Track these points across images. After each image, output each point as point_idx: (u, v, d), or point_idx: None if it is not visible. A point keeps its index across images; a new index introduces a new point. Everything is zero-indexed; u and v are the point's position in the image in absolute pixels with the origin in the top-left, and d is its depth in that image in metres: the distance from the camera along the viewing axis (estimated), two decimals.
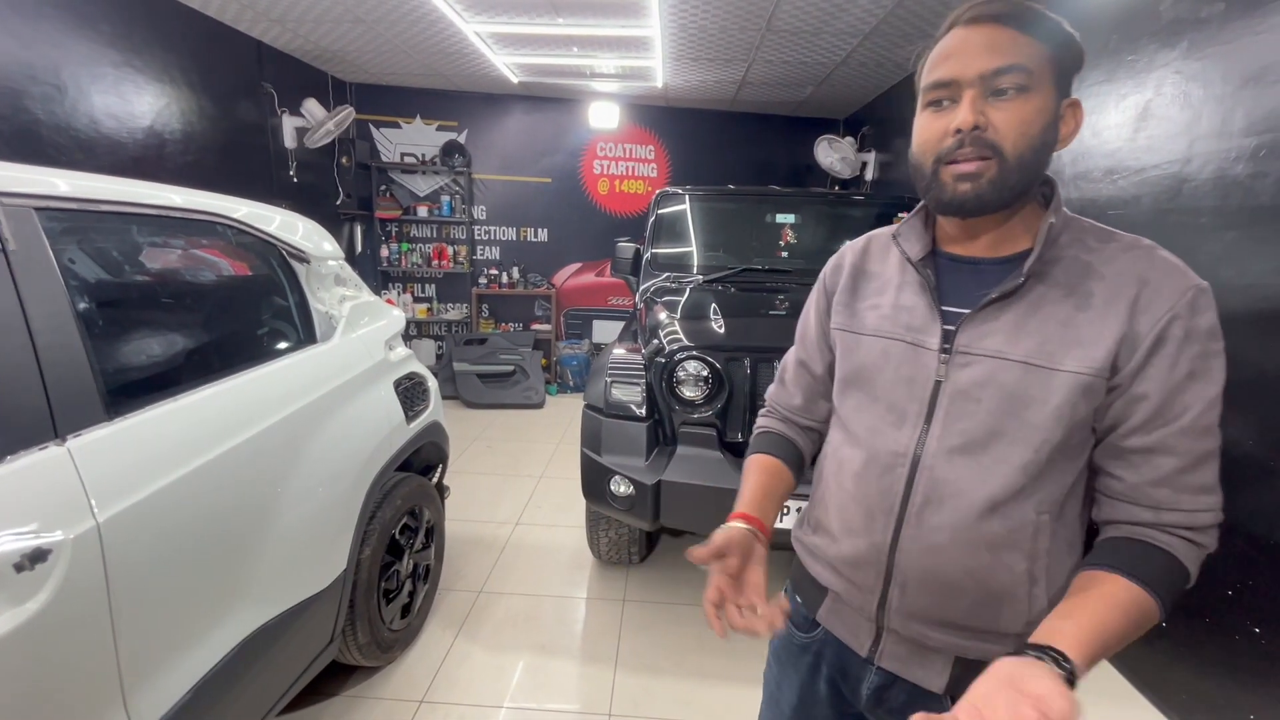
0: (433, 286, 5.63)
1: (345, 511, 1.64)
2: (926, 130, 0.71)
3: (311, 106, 4.25)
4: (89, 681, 0.95)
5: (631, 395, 2.16)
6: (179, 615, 1.12)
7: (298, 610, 1.42)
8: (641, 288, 3.07)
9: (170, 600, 1.10)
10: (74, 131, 2.78)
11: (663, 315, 2.42)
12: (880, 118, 4.75)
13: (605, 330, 5.75)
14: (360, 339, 1.88)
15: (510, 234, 5.63)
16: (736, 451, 2.07)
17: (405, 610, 2.02)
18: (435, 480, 2.32)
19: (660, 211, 3.30)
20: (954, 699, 0.76)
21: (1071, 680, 0.56)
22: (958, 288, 0.75)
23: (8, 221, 0.98)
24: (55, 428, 0.95)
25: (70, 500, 0.93)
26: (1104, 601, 0.64)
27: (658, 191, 3.39)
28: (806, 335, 0.93)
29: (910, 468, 0.74)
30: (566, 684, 1.95)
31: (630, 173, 5.62)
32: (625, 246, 3.27)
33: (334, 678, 1.88)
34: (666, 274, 3.04)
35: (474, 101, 5.33)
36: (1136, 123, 2.08)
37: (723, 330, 2.21)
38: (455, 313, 5.64)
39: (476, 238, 5.60)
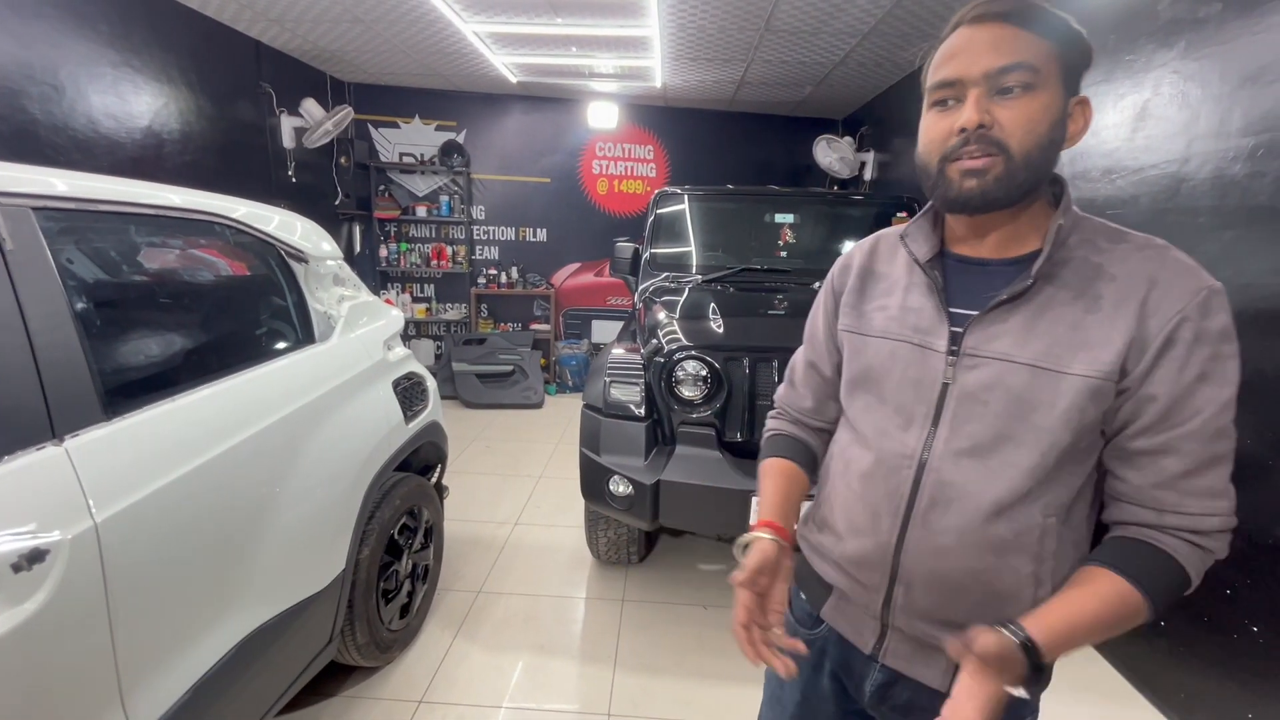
0: (431, 286, 5.63)
1: (344, 511, 1.63)
2: (932, 130, 0.70)
3: (310, 106, 4.24)
4: (87, 682, 0.95)
5: (630, 395, 2.16)
6: (177, 615, 1.12)
7: (296, 610, 1.42)
8: (640, 288, 3.07)
9: (168, 600, 1.10)
10: (72, 131, 2.78)
11: (661, 315, 2.42)
12: (879, 117, 4.76)
13: (604, 330, 5.75)
14: (359, 339, 1.88)
15: (509, 234, 5.63)
16: (735, 451, 2.07)
17: (404, 610, 2.02)
18: (434, 480, 2.32)
19: (659, 211, 3.30)
20: None
21: (1030, 651, 0.61)
22: (966, 289, 0.75)
23: (5, 222, 0.97)
24: (53, 428, 0.95)
25: (68, 500, 0.93)
26: (1085, 592, 0.67)
27: (656, 191, 3.39)
28: (815, 336, 0.92)
29: (917, 469, 0.74)
30: (565, 684, 1.95)
31: (629, 173, 5.62)
32: (624, 246, 3.27)
33: (333, 678, 1.88)
34: (665, 274, 3.04)
35: (473, 101, 5.32)
36: (1134, 122, 2.08)
37: (721, 330, 2.21)
38: (454, 313, 5.64)
39: (475, 238, 5.60)
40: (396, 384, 1.99)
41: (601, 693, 1.91)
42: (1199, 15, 1.84)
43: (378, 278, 5.47)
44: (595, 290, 5.76)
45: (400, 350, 2.12)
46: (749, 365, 2.06)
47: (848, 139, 4.94)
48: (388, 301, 4.88)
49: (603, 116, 5.21)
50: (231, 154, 3.79)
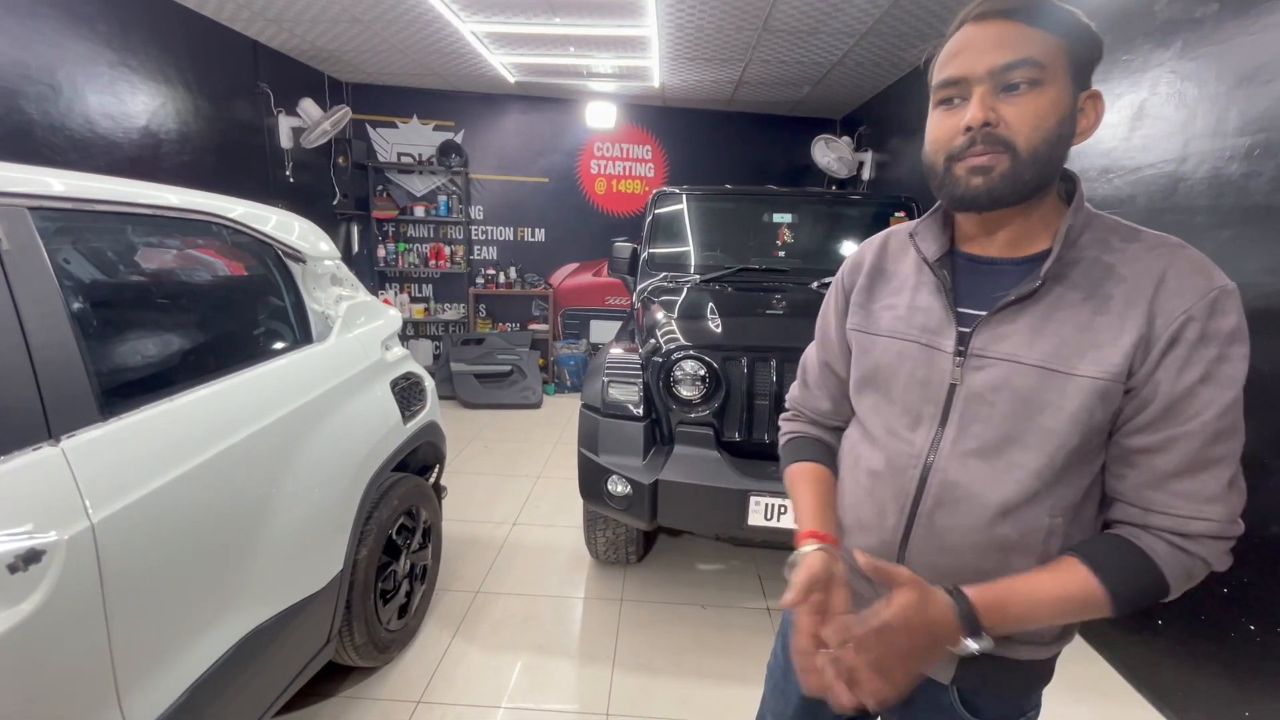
0: (430, 286, 5.62)
1: (342, 512, 1.63)
2: (938, 129, 0.70)
3: (308, 106, 4.24)
4: (83, 683, 0.95)
5: (629, 395, 2.16)
6: (174, 616, 1.12)
7: (294, 611, 1.42)
8: (639, 287, 3.07)
9: (165, 601, 1.10)
10: (69, 131, 2.77)
11: (660, 315, 2.42)
12: (877, 117, 4.76)
13: (602, 330, 5.74)
14: (357, 339, 1.88)
15: (507, 234, 5.62)
16: (734, 451, 2.07)
17: (402, 610, 2.02)
18: (432, 480, 2.32)
19: (657, 211, 3.30)
20: (960, 690, 0.78)
21: (967, 617, 0.64)
22: (975, 289, 0.74)
23: (2, 222, 0.97)
24: (49, 428, 0.95)
25: (64, 501, 0.93)
26: (1045, 574, 0.68)
27: (655, 191, 3.39)
28: (827, 335, 0.92)
29: (923, 469, 0.74)
30: (564, 684, 1.95)
31: (627, 172, 5.62)
32: (622, 246, 3.27)
33: (331, 678, 1.87)
34: (664, 274, 3.04)
35: (471, 101, 5.32)
36: (1132, 122, 2.09)
37: (720, 330, 2.21)
38: (452, 313, 5.63)
39: (474, 238, 5.60)
40: (394, 384, 1.99)
41: (600, 692, 1.91)
42: (1196, 15, 1.85)
43: (376, 278, 5.46)
44: (593, 290, 5.76)
45: (398, 350, 2.12)
46: (747, 365, 2.06)
47: (846, 139, 4.95)
48: (386, 302, 4.87)
49: (601, 116, 5.20)
50: (229, 154, 3.79)
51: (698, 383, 2.08)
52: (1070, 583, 0.67)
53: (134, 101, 3.10)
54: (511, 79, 4.75)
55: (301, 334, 1.70)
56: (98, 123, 2.91)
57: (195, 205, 1.42)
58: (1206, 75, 1.81)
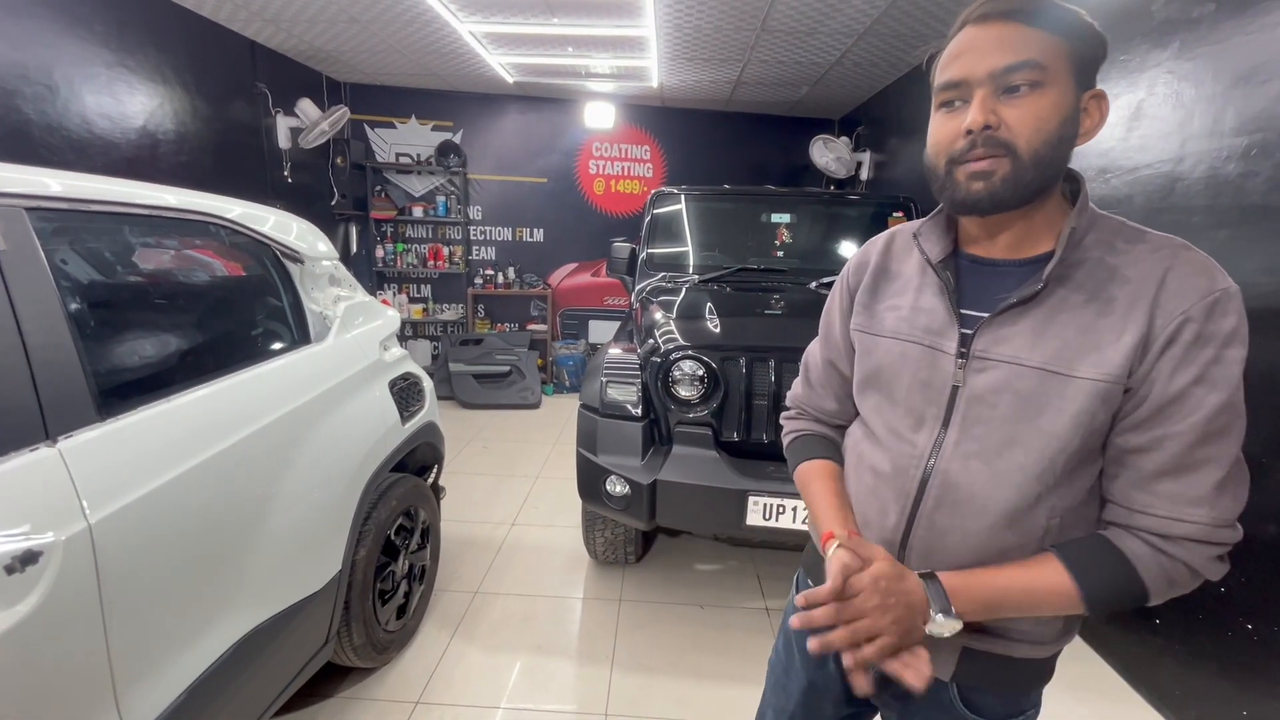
0: (428, 287, 5.62)
1: (340, 512, 1.63)
2: (939, 131, 0.70)
3: (306, 107, 4.23)
4: (81, 685, 0.94)
5: (627, 395, 2.16)
6: (172, 617, 1.12)
7: (292, 612, 1.41)
8: (637, 288, 3.07)
9: (163, 602, 1.10)
10: (66, 132, 2.77)
11: (658, 315, 2.42)
12: (875, 117, 4.76)
13: (601, 330, 5.74)
14: (355, 339, 1.87)
15: (506, 234, 5.62)
16: (732, 451, 2.07)
17: (401, 611, 2.02)
18: (431, 481, 2.32)
19: (656, 211, 3.30)
20: (960, 687, 0.78)
21: (936, 593, 0.68)
22: (978, 290, 0.74)
23: None
24: (46, 429, 0.95)
25: (61, 502, 0.93)
26: (1021, 566, 0.69)
27: (653, 191, 3.39)
28: (831, 334, 0.92)
29: (925, 470, 0.74)
30: (563, 684, 1.95)
31: (626, 173, 5.62)
32: (621, 246, 3.28)
33: (329, 679, 1.87)
34: (662, 274, 3.04)
35: (469, 101, 5.32)
36: (1129, 122, 2.09)
37: (718, 330, 2.21)
38: (451, 313, 5.63)
39: (472, 238, 5.59)
40: (393, 384, 1.99)
41: (599, 693, 1.91)
42: (1193, 15, 1.85)
43: (374, 278, 5.46)
44: (592, 290, 5.76)
45: (396, 351, 2.11)
46: (745, 365, 2.06)
47: (844, 139, 4.95)
48: (384, 302, 4.87)
49: (599, 116, 5.20)
50: (227, 154, 3.78)
51: (696, 383, 2.08)
52: (1041, 576, 0.67)
53: (131, 102, 3.10)
54: (510, 79, 4.75)
55: (299, 334, 1.70)
56: (95, 123, 2.90)
57: (193, 206, 1.42)
58: (1203, 75, 1.82)
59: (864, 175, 4.83)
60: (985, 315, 0.71)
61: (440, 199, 5.40)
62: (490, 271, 5.53)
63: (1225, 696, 1.70)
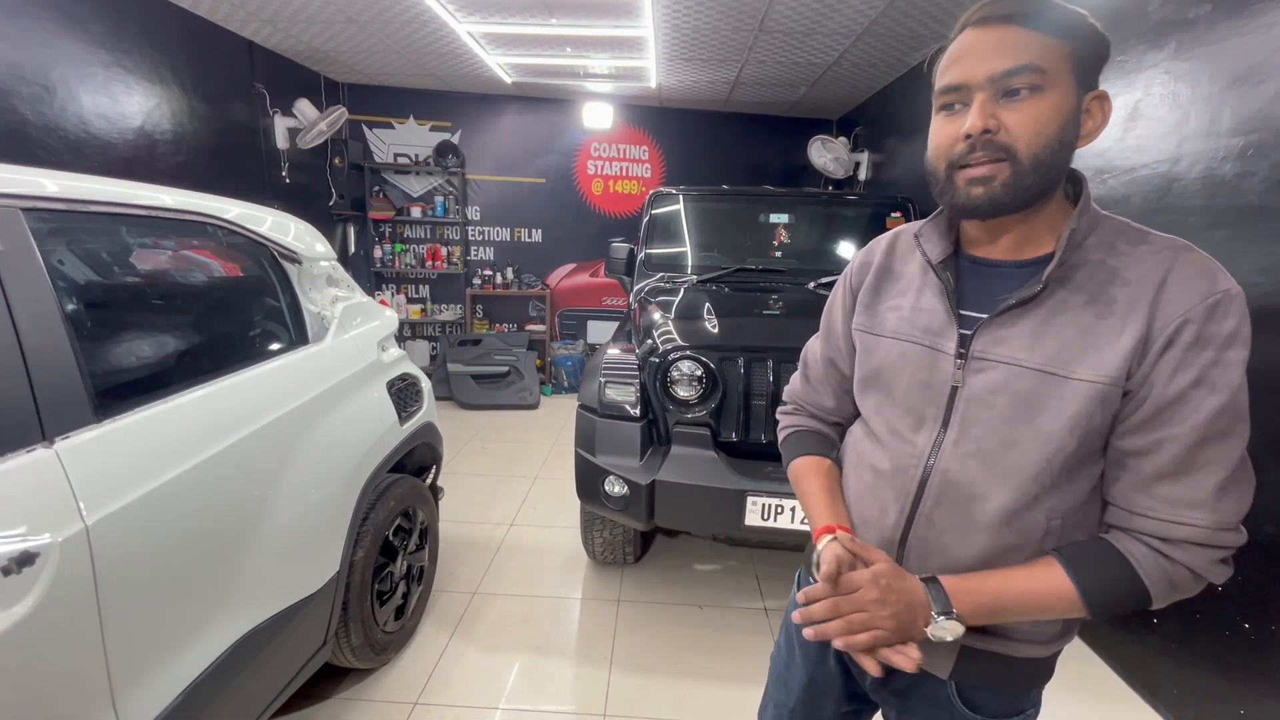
0: (427, 287, 5.61)
1: (338, 513, 1.63)
2: (939, 135, 0.70)
3: (304, 107, 4.23)
4: (78, 686, 0.94)
5: (626, 395, 2.16)
6: (169, 619, 1.12)
7: (290, 613, 1.41)
8: (635, 288, 3.07)
9: (161, 603, 1.09)
10: (63, 132, 2.76)
11: (656, 315, 2.42)
12: (873, 118, 4.77)
13: (600, 331, 5.74)
14: (353, 340, 1.87)
15: (504, 235, 5.62)
16: (731, 451, 2.07)
17: (399, 612, 2.01)
18: (429, 481, 2.31)
19: (654, 212, 3.31)
20: (958, 685, 0.79)
21: (936, 593, 0.68)
22: (978, 291, 0.74)
23: None
24: (43, 430, 0.95)
25: (58, 503, 0.93)
26: (1024, 570, 0.69)
27: (651, 192, 3.39)
28: (833, 332, 0.92)
29: (924, 469, 0.74)
30: (561, 685, 1.94)
31: (624, 173, 5.62)
32: (619, 247, 3.28)
33: (327, 680, 1.87)
34: (660, 274, 3.04)
35: (467, 102, 5.31)
36: (1126, 123, 2.10)
37: (716, 330, 2.22)
38: (449, 314, 5.63)
39: (470, 238, 5.59)
40: (391, 385, 1.99)
41: (597, 693, 1.91)
42: (1189, 16, 1.86)
43: (372, 279, 5.45)
44: (590, 291, 5.76)
45: (394, 351, 2.11)
46: (744, 365, 2.06)
47: (842, 139, 4.95)
48: (382, 302, 4.86)
49: (598, 117, 5.20)
50: (225, 155, 3.78)
51: (694, 383, 2.08)
52: (1042, 579, 0.68)
53: (129, 102, 3.09)
54: (508, 79, 4.75)
55: (297, 335, 1.70)
56: (92, 123, 2.90)
57: (190, 206, 1.41)
58: (1200, 76, 1.82)
59: (862, 175, 4.83)
60: (985, 316, 0.72)
61: (438, 199, 5.39)
62: (489, 272, 5.53)
63: (1223, 696, 1.70)
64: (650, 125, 5.55)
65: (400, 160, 5.35)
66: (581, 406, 2.22)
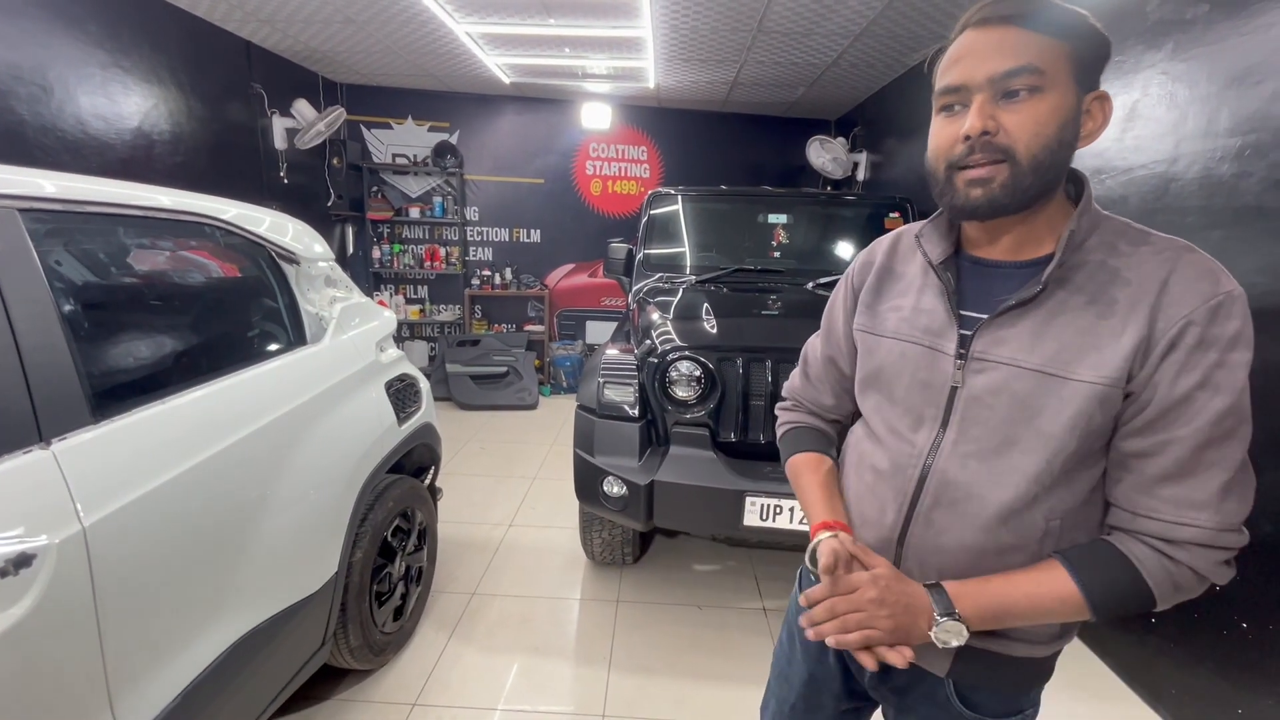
0: (425, 288, 5.61)
1: (336, 514, 1.63)
2: (939, 136, 0.70)
3: (302, 107, 4.22)
4: (75, 688, 0.94)
5: (624, 396, 2.16)
6: (167, 620, 1.11)
7: (289, 614, 1.41)
8: (634, 288, 3.07)
9: (158, 605, 1.09)
10: (60, 133, 2.76)
11: (655, 316, 2.42)
12: (871, 118, 4.77)
13: (598, 331, 5.74)
14: (351, 340, 1.87)
15: (503, 235, 5.62)
16: (729, 451, 2.07)
17: (397, 613, 2.01)
18: (428, 482, 2.31)
19: (652, 212, 3.31)
20: (956, 684, 0.79)
21: (939, 597, 0.69)
22: (979, 292, 0.74)
23: None
24: (40, 431, 0.94)
25: (55, 504, 0.92)
26: (1027, 573, 0.69)
27: (650, 192, 3.39)
28: (834, 331, 0.92)
29: (923, 469, 0.74)
30: (560, 685, 1.94)
31: (623, 173, 5.62)
32: (618, 247, 3.28)
33: (325, 681, 1.87)
34: (659, 274, 3.04)
35: (466, 102, 5.31)
36: (1124, 123, 2.10)
37: (715, 330, 2.22)
38: (448, 314, 5.62)
39: (469, 239, 5.59)
40: (389, 385, 1.99)
41: (596, 694, 1.91)
42: (1187, 16, 1.86)
43: (371, 279, 5.45)
44: (589, 291, 5.75)
45: (393, 352, 2.11)
46: (742, 365, 2.06)
47: (840, 140, 4.96)
48: (380, 303, 4.86)
49: (596, 117, 5.20)
50: (222, 155, 3.77)
51: (693, 383, 2.08)
52: (1046, 582, 0.68)
53: (126, 102, 3.09)
54: (506, 80, 4.74)
55: (295, 336, 1.70)
56: (90, 124, 2.89)
57: (188, 207, 1.41)
58: (1198, 76, 1.82)
59: (860, 176, 4.84)
60: (985, 317, 0.72)
61: (437, 200, 5.39)
62: (487, 272, 5.53)
63: (1221, 695, 1.70)
64: (649, 125, 5.55)
65: (398, 161, 5.35)
66: (580, 407, 2.22)
